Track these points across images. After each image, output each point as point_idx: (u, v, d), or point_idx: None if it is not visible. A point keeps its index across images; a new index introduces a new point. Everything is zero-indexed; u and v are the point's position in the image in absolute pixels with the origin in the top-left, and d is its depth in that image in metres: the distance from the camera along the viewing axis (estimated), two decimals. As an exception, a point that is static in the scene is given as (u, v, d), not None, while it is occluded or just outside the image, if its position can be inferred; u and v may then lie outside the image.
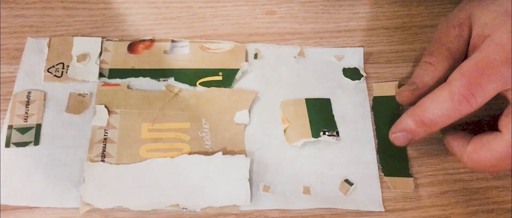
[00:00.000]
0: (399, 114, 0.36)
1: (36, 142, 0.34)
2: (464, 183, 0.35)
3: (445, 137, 0.34)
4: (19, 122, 0.35)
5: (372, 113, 0.37)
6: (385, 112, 0.37)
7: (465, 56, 0.34)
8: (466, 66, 0.31)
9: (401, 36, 0.41)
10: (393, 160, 0.35)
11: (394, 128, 0.34)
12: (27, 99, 0.36)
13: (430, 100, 0.32)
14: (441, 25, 0.35)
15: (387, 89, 0.38)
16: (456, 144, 0.33)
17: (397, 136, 0.33)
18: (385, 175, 0.35)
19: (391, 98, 0.37)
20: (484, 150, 0.31)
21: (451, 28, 0.34)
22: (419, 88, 0.34)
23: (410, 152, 0.36)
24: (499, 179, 0.35)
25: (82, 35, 0.39)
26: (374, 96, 0.38)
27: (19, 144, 0.34)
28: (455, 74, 0.31)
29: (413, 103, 0.35)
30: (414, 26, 0.42)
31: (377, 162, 0.35)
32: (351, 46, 0.40)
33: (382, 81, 0.38)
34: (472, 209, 0.34)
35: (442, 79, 0.34)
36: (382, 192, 0.34)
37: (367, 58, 0.40)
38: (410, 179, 0.35)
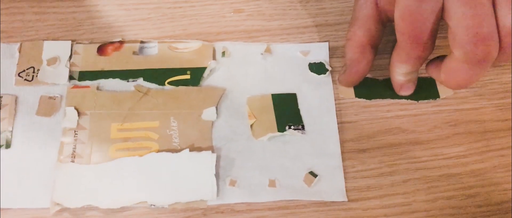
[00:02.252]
0: None
1: (8, 145, 0.35)
2: (425, 171, 0.36)
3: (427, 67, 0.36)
4: (-9, 126, 0.36)
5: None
6: None
7: (375, 17, 0.36)
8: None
9: (366, 29, 0.42)
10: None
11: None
12: (-2, 104, 0.37)
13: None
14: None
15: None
16: (434, 73, 0.36)
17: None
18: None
19: None
20: (443, 72, 0.34)
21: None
22: (348, 65, 0.37)
23: (373, 142, 0.37)
24: (458, 166, 0.36)
25: (53, 39, 0.40)
26: None
27: (-9, 148, 0.35)
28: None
29: (352, 82, 0.38)
30: (379, 20, 0.42)
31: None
32: (317, 41, 0.41)
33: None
34: (433, 196, 0.35)
35: (363, 47, 0.36)
36: (345, 182, 0.35)
37: (333, 52, 0.41)
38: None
